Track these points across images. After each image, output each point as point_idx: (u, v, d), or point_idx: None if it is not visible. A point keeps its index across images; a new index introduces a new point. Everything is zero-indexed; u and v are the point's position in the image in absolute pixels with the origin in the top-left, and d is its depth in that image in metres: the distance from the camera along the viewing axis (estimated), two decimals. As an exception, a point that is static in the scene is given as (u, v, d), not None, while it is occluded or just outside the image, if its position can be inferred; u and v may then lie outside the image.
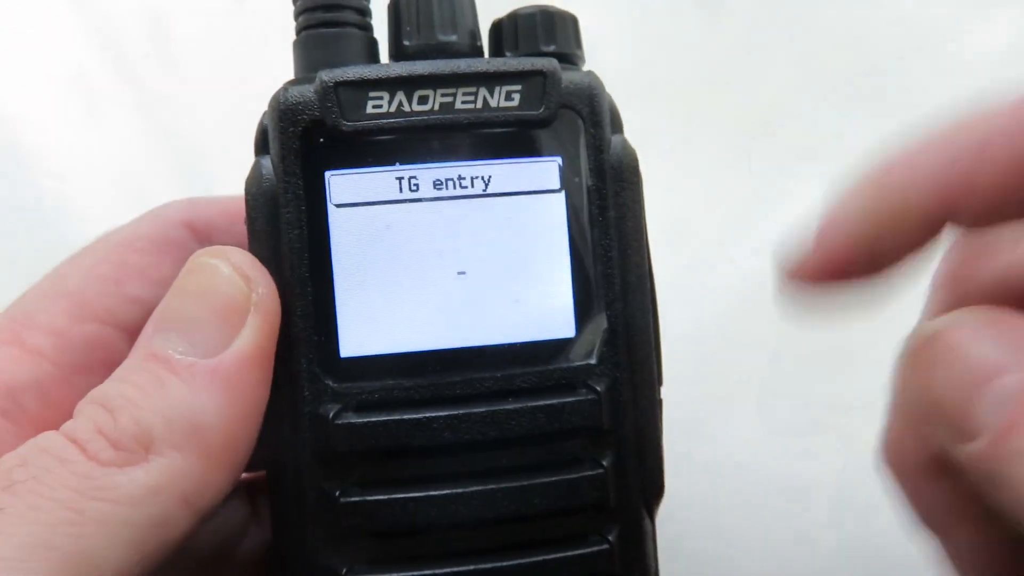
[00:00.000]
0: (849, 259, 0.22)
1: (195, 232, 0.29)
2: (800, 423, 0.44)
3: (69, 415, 0.22)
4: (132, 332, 0.27)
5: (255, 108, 0.43)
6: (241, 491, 0.32)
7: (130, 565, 0.20)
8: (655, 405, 0.25)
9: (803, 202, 0.48)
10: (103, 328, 0.27)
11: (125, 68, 0.48)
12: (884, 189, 0.22)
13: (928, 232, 0.22)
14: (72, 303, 0.27)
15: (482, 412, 0.23)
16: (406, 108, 0.23)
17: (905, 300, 0.44)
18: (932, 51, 0.50)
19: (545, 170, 0.24)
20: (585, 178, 0.25)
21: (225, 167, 0.47)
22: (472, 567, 0.23)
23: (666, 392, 0.27)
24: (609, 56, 0.48)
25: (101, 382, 0.23)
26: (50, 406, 0.26)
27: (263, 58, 0.48)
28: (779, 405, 0.44)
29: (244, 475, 0.24)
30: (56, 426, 0.22)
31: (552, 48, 0.26)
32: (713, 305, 0.45)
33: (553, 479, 0.24)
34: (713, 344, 0.45)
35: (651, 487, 0.25)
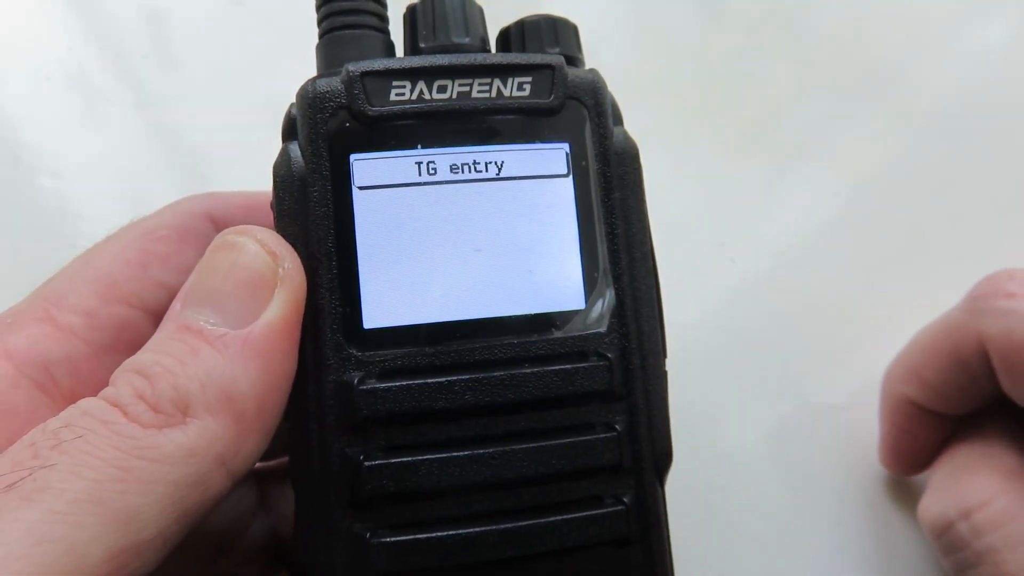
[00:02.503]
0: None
1: (216, 223, 0.32)
2: (800, 423, 0.45)
3: (99, 390, 0.24)
4: (157, 315, 0.29)
5: (254, 108, 0.45)
6: (250, 478, 0.34)
7: (169, 522, 0.22)
8: (662, 374, 0.28)
9: (802, 202, 0.51)
10: (130, 310, 0.29)
11: (125, 68, 0.50)
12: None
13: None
14: (101, 285, 0.29)
15: (501, 376, 0.26)
16: (427, 96, 0.26)
17: (902, 300, 0.46)
18: (931, 51, 0.53)
19: (554, 156, 0.27)
20: (591, 163, 0.27)
21: (224, 166, 0.49)
22: (492, 528, 0.25)
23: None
24: (610, 57, 0.50)
25: None
26: (81, 381, 0.28)
27: (263, 58, 0.50)
28: (779, 405, 0.45)
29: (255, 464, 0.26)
30: None
31: (556, 51, 0.29)
32: (713, 305, 0.47)
33: (569, 441, 0.26)
34: (712, 344, 0.46)
35: (661, 453, 0.27)
